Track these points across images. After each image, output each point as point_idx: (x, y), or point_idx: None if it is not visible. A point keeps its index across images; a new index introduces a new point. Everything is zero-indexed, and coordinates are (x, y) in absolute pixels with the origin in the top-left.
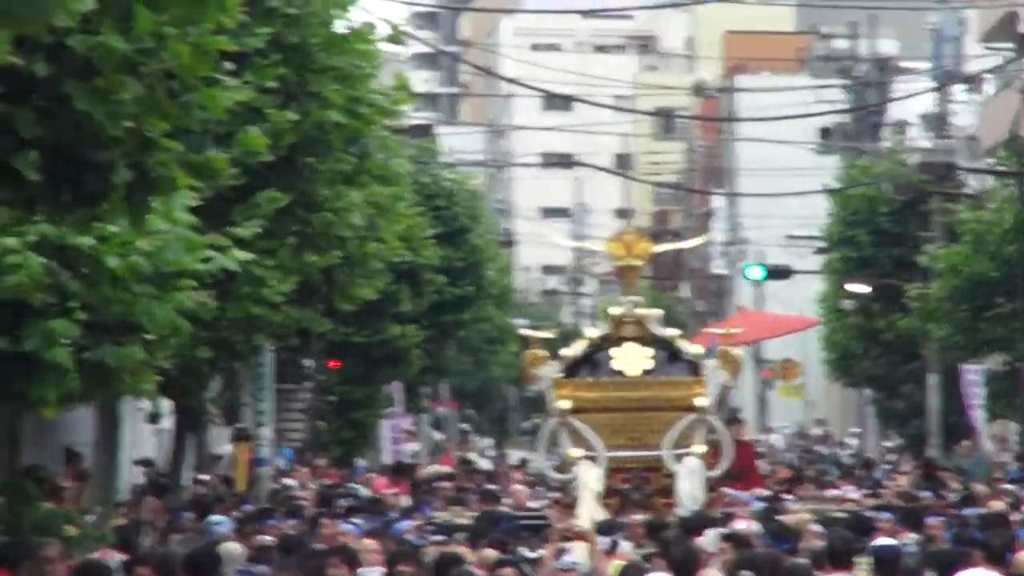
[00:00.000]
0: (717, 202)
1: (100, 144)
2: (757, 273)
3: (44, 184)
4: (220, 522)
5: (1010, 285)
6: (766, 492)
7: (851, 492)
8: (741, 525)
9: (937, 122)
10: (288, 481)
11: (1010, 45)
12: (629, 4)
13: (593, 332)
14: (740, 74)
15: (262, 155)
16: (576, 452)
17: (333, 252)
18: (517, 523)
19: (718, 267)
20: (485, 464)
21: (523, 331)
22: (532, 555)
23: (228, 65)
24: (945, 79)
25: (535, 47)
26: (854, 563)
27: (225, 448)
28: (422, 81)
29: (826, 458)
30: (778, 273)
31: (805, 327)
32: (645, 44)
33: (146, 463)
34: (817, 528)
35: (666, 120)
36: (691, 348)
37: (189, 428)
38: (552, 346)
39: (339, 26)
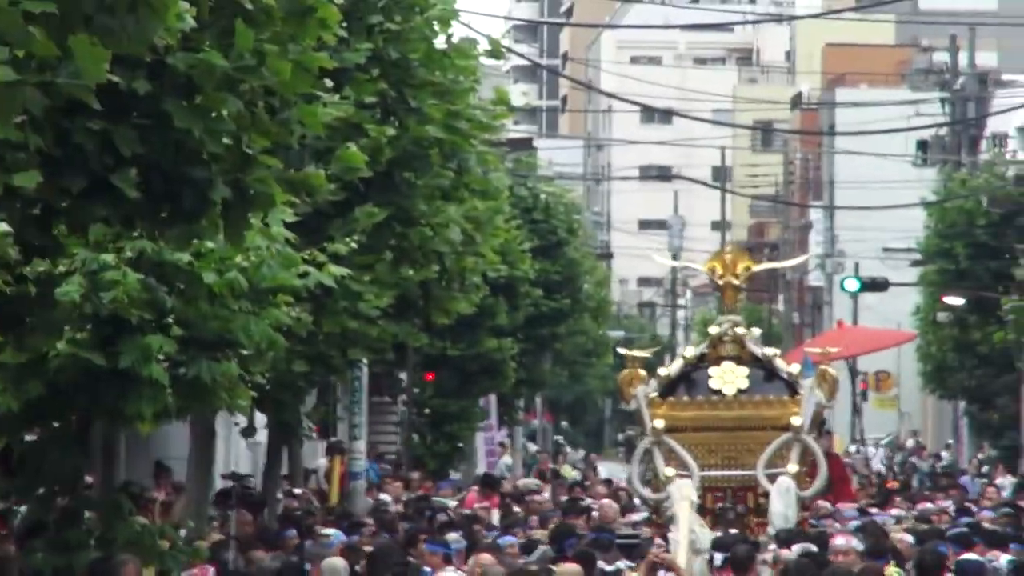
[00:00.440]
0: (814, 215)
1: (199, 161)
2: (853, 285)
3: (143, 201)
4: (331, 536)
5: None
6: (856, 505)
7: (943, 503)
8: (840, 541)
9: None
10: (382, 496)
11: None
12: (729, 18)
13: (690, 351)
14: (839, 87)
15: (361, 171)
16: (669, 471)
17: (430, 267)
18: (610, 537)
19: (815, 279)
20: (576, 475)
21: (620, 350)
22: (609, 568)
23: (327, 81)
24: None
25: (634, 60)
26: None
27: (319, 462)
28: (521, 94)
29: (919, 470)
30: (874, 285)
31: (903, 341)
32: (745, 57)
33: (234, 476)
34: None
35: (764, 133)
36: (788, 367)
37: (283, 442)
38: (648, 363)
39: (439, 41)
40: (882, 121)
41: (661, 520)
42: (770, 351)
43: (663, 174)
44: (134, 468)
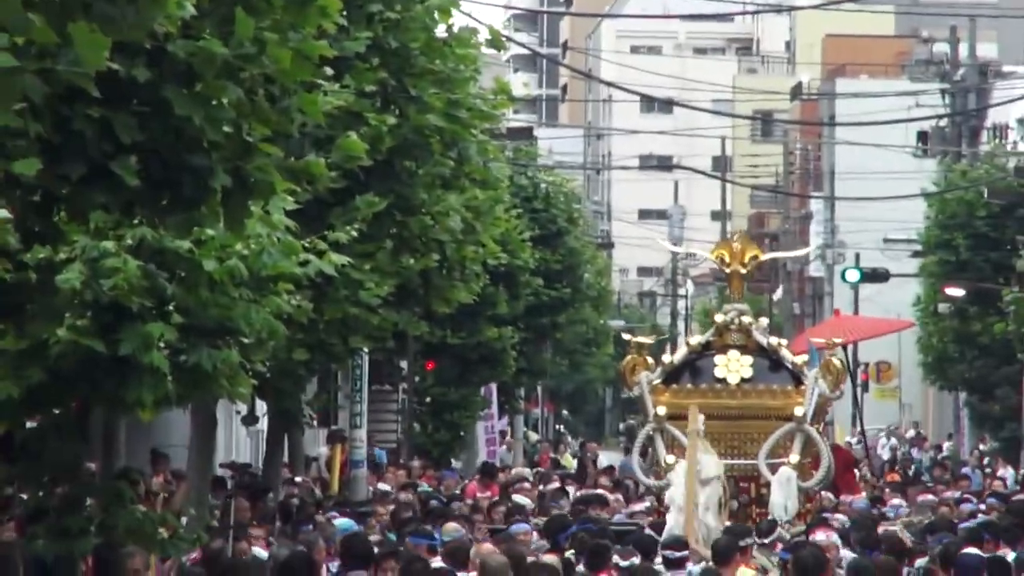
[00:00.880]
0: (815, 205)
1: (199, 149)
2: (854, 276)
3: (143, 188)
4: (345, 525)
5: None
6: (862, 497)
7: (946, 494)
8: (820, 536)
9: None
10: (382, 485)
11: None
12: (729, 8)
13: (695, 339)
14: (839, 77)
15: (361, 160)
16: (671, 459)
17: (430, 255)
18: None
19: (815, 270)
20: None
21: (625, 336)
22: (624, 564)
23: (328, 70)
24: None
25: (634, 49)
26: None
27: (320, 450)
28: (521, 84)
29: (918, 462)
30: (875, 276)
31: (900, 329)
32: (745, 47)
33: (232, 466)
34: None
35: (764, 123)
36: (793, 357)
37: (284, 430)
38: (651, 351)
39: (439, 30)
40: (882, 112)
41: (663, 508)
42: (775, 341)
43: (663, 164)
44: (134, 455)
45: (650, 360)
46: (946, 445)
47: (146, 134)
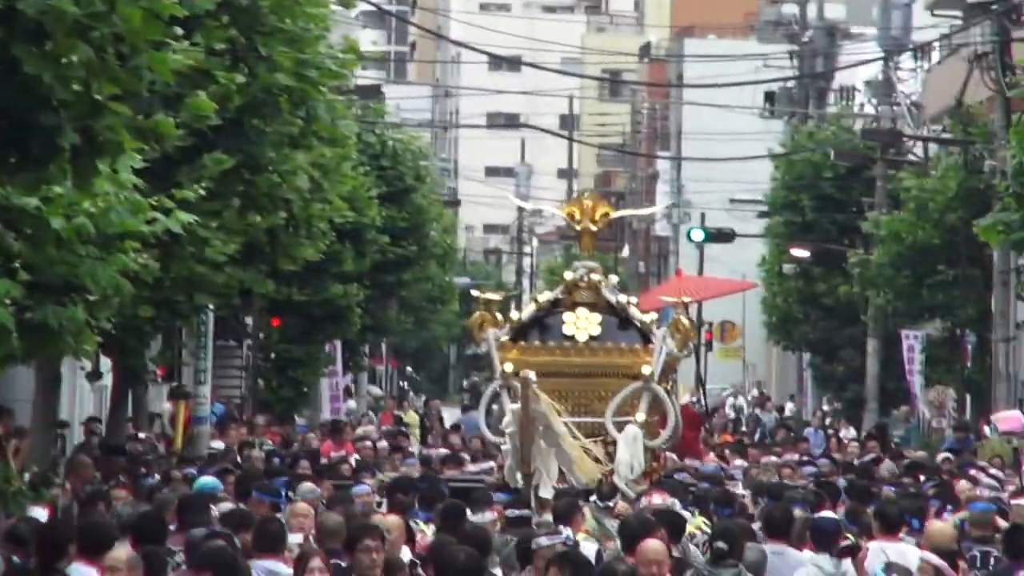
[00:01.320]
0: (661, 165)
1: (48, 107)
2: (699, 236)
3: None
4: (209, 484)
5: (952, 252)
6: (705, 459)
7: (790, 456)
8: (657, 500)
9: (883, 89)
10: (215, 443)
11: (957, 13)
12: None
13: (544, 296)
14: (688, 37)
15: (210, 119)
16: (514, 407)
17: (277, 213)
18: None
19: (661, 229)
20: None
21: (473, 292)
22: (475, 519)
23: (177, 28)
24: (892, 46)
25: (483, 8)
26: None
27: (164, 406)
28: (370, 42)
29: (763, 422)
30: (720, 236)
31: (741, 290)
32: (593, 5)
33: (59, 424)
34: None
35: (612, 83)
36: (643, 316)
37: (129, 386)
38: (499, 307)
39: None
40: (731, 75)
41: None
42: (625, 299)
43: (510, 122)
44: None
45: (499, 316)
46: (788, 406)
47: None
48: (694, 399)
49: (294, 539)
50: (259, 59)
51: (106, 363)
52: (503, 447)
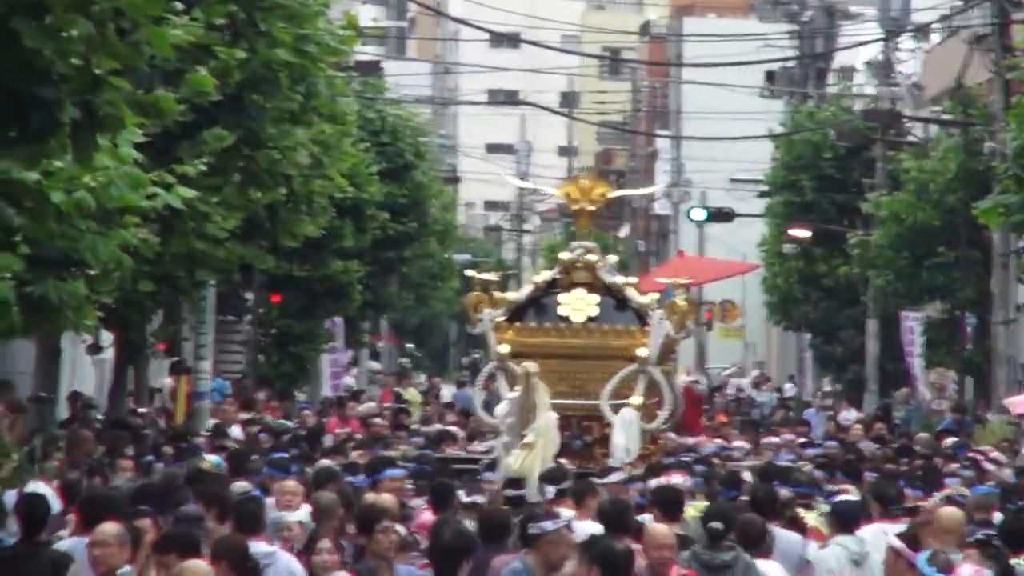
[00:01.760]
0: (661, 144)
1: (48, 81)
2: (700, 215)
3: None
4: (214, 462)
5: (952, 234)
6: (705, 439)
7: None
8: (677, 479)
9: (883, 69)
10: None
11: None
12: None
13: (542, 276)
14: (687, 16)
15: (210, 94)
16: (512, 396)
17: (278, 189)
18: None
19: (661, 208)
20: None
21: (469, 272)
22: (467, 500)
23: (177, 4)
24: (892, 26)
25: None
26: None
27: (164, 381)
28: (369, 18)
29: (759, 404)
30: (720, 216)
31: (743, 272)
32: None
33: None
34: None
35: (612, 61)
36: (640, 297)
37: (129, 361)
38: (496, 287)
39: None
40: (731, 55)
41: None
42: (622, 279)
43: (510, 99)
44: None
45: (496, 295)
46: (787, 387)
47: None
48: (694, 379)
49: (292, 517)
50: (259, 35)
51: (107, 337)
52: (501, 439)
